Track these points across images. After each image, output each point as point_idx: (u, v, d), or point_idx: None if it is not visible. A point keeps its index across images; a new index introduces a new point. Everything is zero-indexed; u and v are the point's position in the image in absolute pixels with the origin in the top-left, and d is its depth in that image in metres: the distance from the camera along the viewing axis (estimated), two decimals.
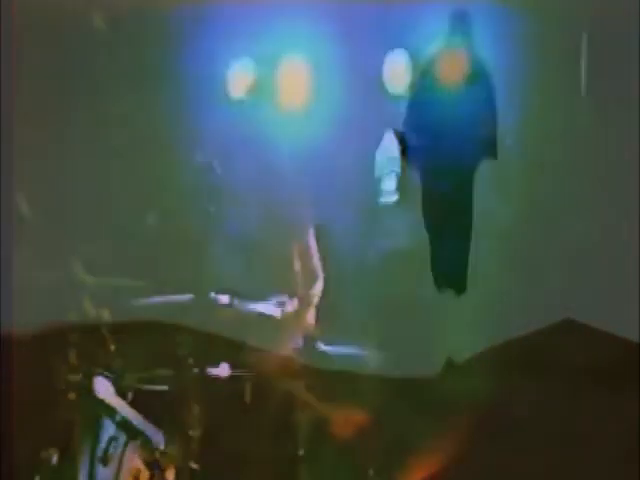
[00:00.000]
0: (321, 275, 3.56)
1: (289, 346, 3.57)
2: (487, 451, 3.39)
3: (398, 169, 3.57)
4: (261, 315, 3.59)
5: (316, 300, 3.56)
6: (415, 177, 3.63)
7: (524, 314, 3.54)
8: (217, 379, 3.52)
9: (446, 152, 3.61)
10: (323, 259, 3.56)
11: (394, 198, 3.58)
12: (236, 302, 3.54)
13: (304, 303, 3.57)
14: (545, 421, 3.41)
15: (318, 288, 3.56)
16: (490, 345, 3.57)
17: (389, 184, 3.58)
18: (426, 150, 3.61)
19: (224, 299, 3.56)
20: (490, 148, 3.60)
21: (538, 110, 3.54)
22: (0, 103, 3.51)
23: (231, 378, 3.52)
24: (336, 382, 3.55)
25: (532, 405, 3.43)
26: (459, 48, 3.58)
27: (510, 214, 3.60)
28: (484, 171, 3.62)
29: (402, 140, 3.58)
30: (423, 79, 3.59)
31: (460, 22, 3.57)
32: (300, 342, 3.58)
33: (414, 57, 3.57)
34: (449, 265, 3.62)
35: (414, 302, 3.59)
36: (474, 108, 3.59)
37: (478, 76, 3.57)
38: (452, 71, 3.58)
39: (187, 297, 3.51)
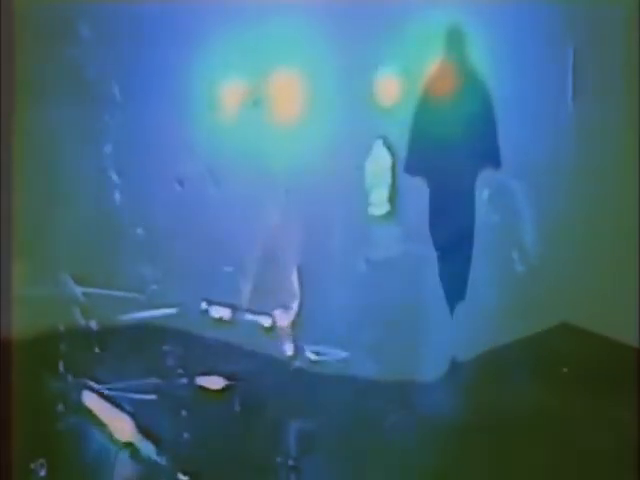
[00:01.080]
0: (298, 295, 3.56)
1: (279, 356, 3.59)
2: (483, 454, 3.37)
3: (389, 179, 3.56)
4: (252, 326, 3.60)
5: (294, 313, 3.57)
6: (424, 191, 3.61)
7: (519, 317, 3.53)
8: (207, 389, 3.54)
9: (449, 164, 3.60)
10: (300, 278, 3.56)
11: (385, 209, 3.57)
12: (236, 315, 3.56)
13: (295, 317, 3.58)
14: (542, 425, 3.40)
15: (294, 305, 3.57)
16: (485, 349, 3.55)
17: (379, 195, 3.57)
18: (429, 163, 3.59)
19: (224, 312, 3.58)
20: (491, 158, 3.58)
21: (527, 117, 3.54)
22: None
23: (221, 387, 3.54)
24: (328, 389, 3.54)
25: (528, 409, 3.42)
26: (454, 59, 3.57)
27: (505, 216, 3.58)
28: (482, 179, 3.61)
29: (392, 150, 3.57)
30: (417, 91, 3.58)
31: (455, 35, 3.56)
32: (290, 352, 3.58)
33: (407, 69, 3.56)
34: (452, 275, 3.60)
35: (406, 311, 3.58)
36: (472, 119, 3.58)
37: (473, 86, 3.56)
38: (447, 82, 3.57)
39: (173, 310, 3.52)
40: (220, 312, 3.57)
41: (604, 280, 3.48)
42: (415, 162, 3.58)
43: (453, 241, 3.59)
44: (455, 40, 3.55)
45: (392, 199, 3.57)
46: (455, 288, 3.58)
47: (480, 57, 3.54)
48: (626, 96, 3.50)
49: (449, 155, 3.58)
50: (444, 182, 3.59)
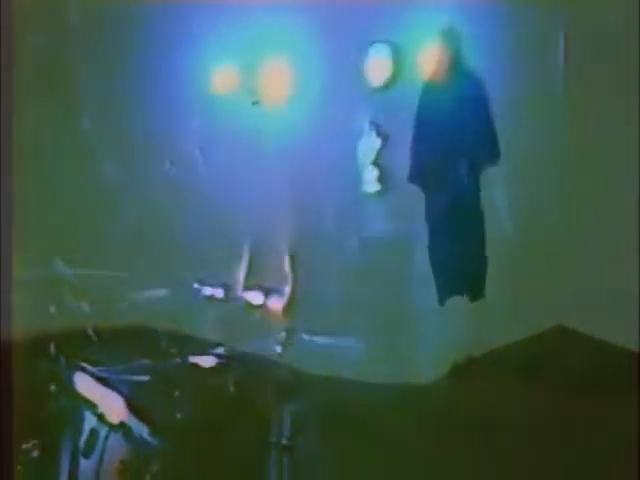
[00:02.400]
0: (289, 274, 3.57)
1: (270, 339, 3.59)
2: (480, 457, 3.37)
3: (379, 159, 3.58)
4: (244, 308, 3.61)
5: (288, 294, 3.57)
6: (420, 193, 3.62)
7: (515, 320, 3.52)
8: (200, 369, 3.54)
9: (448, 162, 3.61)
10: (292, 258, 3.57)
11: (376, 188, 3.58)
12: (230, 295, 3.57)
13: (287, 296, 3.59)
14: (538, 428, 3.39)
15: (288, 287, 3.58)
16: (481, 352, 3.55)
17: (371, 174, 3.58)
18: (429, 162, 3.60)
19: (216, 293, 3.58)
20: (491, 154, 3.58)
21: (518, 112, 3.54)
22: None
23: (214, 368, 3.54)
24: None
25: (525, 412, 3.42)
26: (444, 43, 3.58)
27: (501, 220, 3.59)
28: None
29: (383, 130, 3.58)
30: (408, 73, 3.59)
31: (447, 21, 3.56)
32: (282, 334, 3.59)
33: (397, 51, 3.56)
34: (465, 273, 3.60)
35: (397, 293, 3.58)
36: (470, 113, 3.58)
37: (470, 80, 3.57)
38: (438, 66, 3.58)
39: (162, 291, 3.53)
40: (212, 292, 3.58)
41: (602, 282, 3.48)
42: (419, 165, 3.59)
43: (463, 240, 3.60)
44: (447, 26, 3.56)
45: (383, 178, 3.59)
46: (472, 286, 3.58)
47: (468, 43, 3.55)
48: (617, 84, 3.51)
49: (452, 151, 3.59)
50: (449, 182, 3.60)
